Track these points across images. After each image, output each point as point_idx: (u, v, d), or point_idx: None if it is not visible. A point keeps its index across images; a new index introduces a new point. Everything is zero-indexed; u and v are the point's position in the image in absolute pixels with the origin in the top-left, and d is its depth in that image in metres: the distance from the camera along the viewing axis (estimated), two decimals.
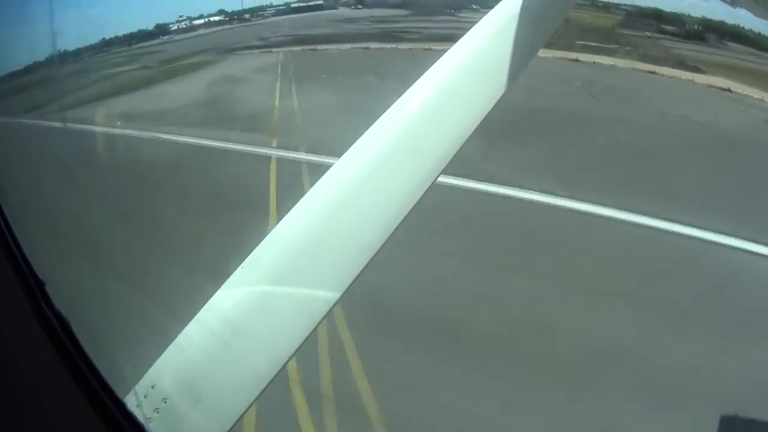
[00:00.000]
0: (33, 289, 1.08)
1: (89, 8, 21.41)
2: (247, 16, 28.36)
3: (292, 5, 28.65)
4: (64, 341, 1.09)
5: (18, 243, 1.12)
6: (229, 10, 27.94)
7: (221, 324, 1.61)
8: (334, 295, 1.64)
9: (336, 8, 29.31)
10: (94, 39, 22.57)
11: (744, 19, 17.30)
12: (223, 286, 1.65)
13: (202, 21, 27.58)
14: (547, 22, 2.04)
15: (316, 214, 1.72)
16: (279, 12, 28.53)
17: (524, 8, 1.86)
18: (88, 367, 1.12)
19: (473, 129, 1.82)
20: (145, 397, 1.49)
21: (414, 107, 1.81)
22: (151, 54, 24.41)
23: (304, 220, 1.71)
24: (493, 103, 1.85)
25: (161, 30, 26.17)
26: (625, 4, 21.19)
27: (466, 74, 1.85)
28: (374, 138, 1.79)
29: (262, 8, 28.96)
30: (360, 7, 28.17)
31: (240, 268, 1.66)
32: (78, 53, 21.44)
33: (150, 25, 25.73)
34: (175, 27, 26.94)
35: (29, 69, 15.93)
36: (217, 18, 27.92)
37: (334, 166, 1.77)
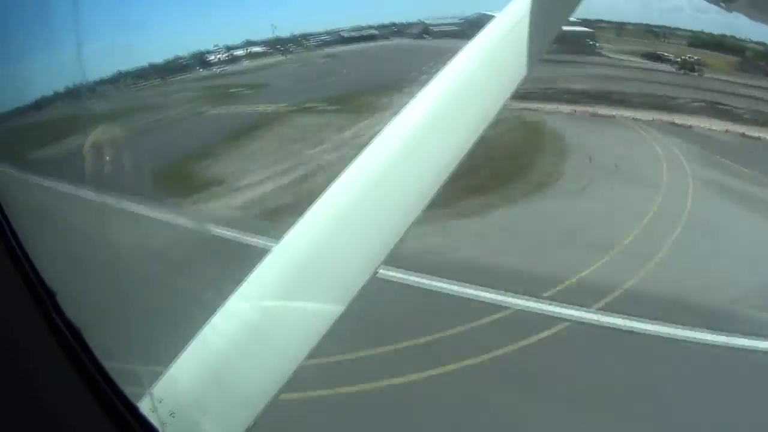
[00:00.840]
0: (44, 299, 1.13)
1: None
2: (291, 47, 27.37)
3: (343, 34, 27.63)
4: (77, 350, 1.13)
5: (28, 255, 1.17)
6: (257, 39, 27.54)
7: (233, 332, 1.65)
8: (338, 308, 1.69)
9: (388, 38, 28.20)
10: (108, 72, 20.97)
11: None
12: (230, 299, 1.69)
13: (243, 52, 26.48)
14: (548, 30, 2.13)
15: (321, 227, 1.76)
16: (326, 43, 27.48)
17: (530, 14, 1.99)
18: (100, 374, 1.17)
19: (475, 138, 1.87)
20: (158, 404, 1.55)
21: (414, 119, 1.86)
22: (258, 90, 21.55)
23: (308, 233, 1.76)
24: (497, 109, 1.93)
25: (201, 61, 25.91)
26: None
27: (464, 87, 1.93)
28: (374, 153, 1.83)
29: (306, 37, 27.88)
30: (426, 37, 27.50)
31: (245, 282, 1.70)
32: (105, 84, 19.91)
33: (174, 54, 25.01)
34: (215, 58, 25.77)
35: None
36: (258, 49, 26.82)
37: (337, 179, 1.80)
